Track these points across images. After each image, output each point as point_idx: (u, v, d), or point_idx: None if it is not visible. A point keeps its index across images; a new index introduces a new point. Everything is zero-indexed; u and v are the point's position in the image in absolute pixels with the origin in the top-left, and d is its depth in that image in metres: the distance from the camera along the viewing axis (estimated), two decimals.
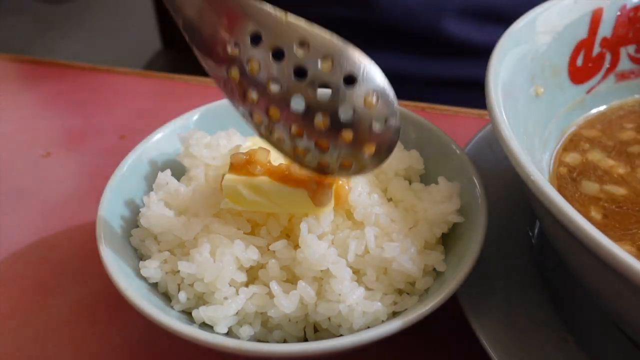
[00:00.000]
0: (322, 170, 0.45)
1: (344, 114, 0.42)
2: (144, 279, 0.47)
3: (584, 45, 0.55)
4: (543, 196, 0.36)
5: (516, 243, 0.55)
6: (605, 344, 0.48)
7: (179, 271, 0.46)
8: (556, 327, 0.47)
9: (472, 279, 0.45)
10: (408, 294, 0.47)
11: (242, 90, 0.43)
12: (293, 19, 0.41)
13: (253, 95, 0.43)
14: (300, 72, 0.42)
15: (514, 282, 0.51)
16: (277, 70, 0.42)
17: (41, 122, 0.85)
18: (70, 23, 2.80)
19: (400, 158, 0.55)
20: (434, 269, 0.48)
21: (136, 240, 0.51)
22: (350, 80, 0.41)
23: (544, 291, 0.50)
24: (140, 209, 0.50)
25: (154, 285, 0.48)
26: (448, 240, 0.50)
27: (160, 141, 0.57)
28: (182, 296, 0.46)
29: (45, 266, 0.61)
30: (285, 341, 0.46)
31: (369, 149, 0.43)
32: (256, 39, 0.42)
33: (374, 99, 0.42)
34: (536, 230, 0.57)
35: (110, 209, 0.50)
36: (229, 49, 0.42)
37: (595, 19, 0.55)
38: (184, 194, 0.50)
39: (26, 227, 0.66)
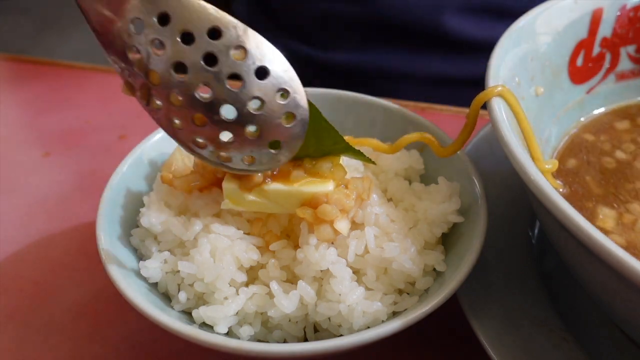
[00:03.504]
0: (222, 164, 0.43)
1: (252, 106, 0.41)
2: (144, 279, 0.47)
3: (584, 45, 0.55)
4: (543, 196, 0.36)
5: (516, 243, 0.55)
6: (605, 344, 0.48)
7: (179, 271, 0.46)
8: (556, 327, 0.47)
9: (472, 279, 0.45)
10: (408, 294, 0.47)
11: (144, 70, 0.41)
12: (205, 4, 0.39)
13: (155, 78, 0.41)
14: (209, 60, 0.40)
15: (514, 282, 0.51)
16: (184, 54, 0.39)
17: (41, 122, 0.85)
18: (70, 23, 2.80)
19: (400, 158, 0.55)
20: (434, 269, 0.48)
21: (136, 240, 0.51)
22: (261, 73, 0.40)
23: (544, 291, 0.50)
24: (140, 209, 0.50)
25: (154, 285, 0.48)
26: (448, 240, 0.50)
27: (160, 141, 0.57)
28: (182, 296, 0.46)
29: (45, 266, 0.61)
30: (285, 341, 0.46)
31: (274, 144, 0.42)
32: (164, 20, 0.39)
33: (283, 93, 0.41)
34: (536, 230, 0.57)
35: (110, 209, 0.50)
36: (132, 27, 0.40)
37: (595, 19, 0.55)
38: (184, 193, 0.50)
39: (26, 227, 0.66)
